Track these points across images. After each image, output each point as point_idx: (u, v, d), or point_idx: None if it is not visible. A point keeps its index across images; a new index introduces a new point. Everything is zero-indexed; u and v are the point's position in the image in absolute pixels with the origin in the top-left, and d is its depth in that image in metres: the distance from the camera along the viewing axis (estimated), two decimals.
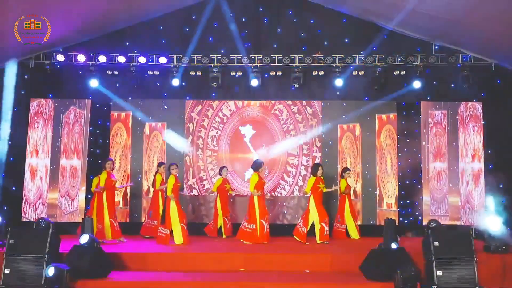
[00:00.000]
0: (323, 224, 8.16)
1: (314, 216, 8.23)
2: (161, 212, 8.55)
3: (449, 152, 9.49)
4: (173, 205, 7.94)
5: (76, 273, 5.94)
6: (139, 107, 9.80)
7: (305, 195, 8.91)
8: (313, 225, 8.29)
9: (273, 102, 9.81)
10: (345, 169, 9.08)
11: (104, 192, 8.18)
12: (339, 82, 9.36)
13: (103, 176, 8.21)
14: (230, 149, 9.76)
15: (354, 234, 8.79)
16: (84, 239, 6.39)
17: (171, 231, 7.91)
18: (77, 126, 9.67)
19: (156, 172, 8.93)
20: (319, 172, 8.37)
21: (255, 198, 8.25)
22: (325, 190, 8.48)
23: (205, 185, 9.67)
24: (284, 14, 9.77)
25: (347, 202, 8.94)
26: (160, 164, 9.01)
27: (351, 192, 9.21)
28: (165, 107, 9.83)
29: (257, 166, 8.46)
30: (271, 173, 9.66)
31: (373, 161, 9.58)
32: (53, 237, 5.99)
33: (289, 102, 9.79)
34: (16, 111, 9.62)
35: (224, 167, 9.15)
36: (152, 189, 9.14)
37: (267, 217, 8.31)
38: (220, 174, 9.07)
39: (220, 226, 8.91)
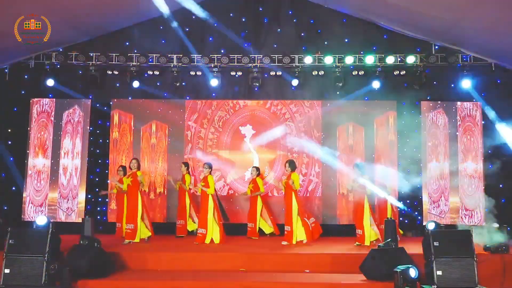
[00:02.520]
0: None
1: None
2: (187, 212, 8.78)
3: (448, 152, 9.48)
4: (211, 204, 8.03)
5: (76, 273, 5.94)
6: (139, 107, 9.81)
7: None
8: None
9: (274, 101, 9.80)
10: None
11: (139, 193, 8.12)
12: (339, 82, 9.37)
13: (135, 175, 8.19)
14: (229, 150, 9.77)
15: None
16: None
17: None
18: (77, 126, 9.67)
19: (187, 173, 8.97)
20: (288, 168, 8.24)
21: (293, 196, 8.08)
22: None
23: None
24: (284, 14, 9.77)
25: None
26: (186, 165, 9.04)
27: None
28: (166, 107, 9.83)
29: (295, 165, 8.36)
30: (270, 172, 9.67)
31: (373, 160, 9.56)
32: (53, 237, 5.99)
33: (289, 102, 9.79)
34: (16, 111, 9.64)
35: (254, 167, 9.06)
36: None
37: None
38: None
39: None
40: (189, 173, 8.99)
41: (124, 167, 9.03)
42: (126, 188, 8.11)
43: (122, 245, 7.74)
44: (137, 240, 7.93)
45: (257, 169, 9.00)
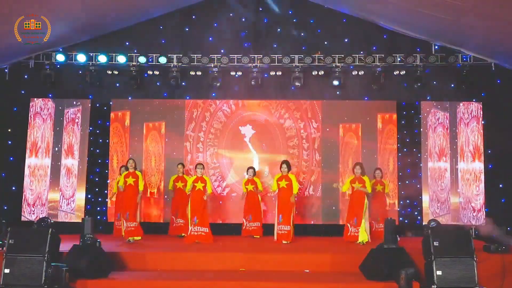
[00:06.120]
0: (348, 225, 8.33)
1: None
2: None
3: (448, 152, 9.48)
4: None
5: (75, 273, 5.94)
6: (139, 107, 9.80)
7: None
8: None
9: (273, 101, 9.78)
10: (376, 169, 9.02)
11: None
12: (338, 82, 9.37)
13: (122, 176, 8.33)
14: (229, 149, 9.76)
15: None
16: None
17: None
18: (77, 126, 9.66)
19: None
20: (358, 171, 8.39)
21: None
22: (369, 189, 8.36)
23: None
24: (284, 14, 9.76)
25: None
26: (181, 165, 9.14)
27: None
28: (165, 107, 9.82)
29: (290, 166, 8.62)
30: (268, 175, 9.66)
31: (372, 161, 9.55)
32: (53, 237, 5.99)
33: (289, 101, 9.77)
34: (16, 111, 9.64)
35: (250, 167, 9.09)
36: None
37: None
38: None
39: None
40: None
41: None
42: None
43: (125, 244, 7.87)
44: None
45: (254, 169, 9.11)
